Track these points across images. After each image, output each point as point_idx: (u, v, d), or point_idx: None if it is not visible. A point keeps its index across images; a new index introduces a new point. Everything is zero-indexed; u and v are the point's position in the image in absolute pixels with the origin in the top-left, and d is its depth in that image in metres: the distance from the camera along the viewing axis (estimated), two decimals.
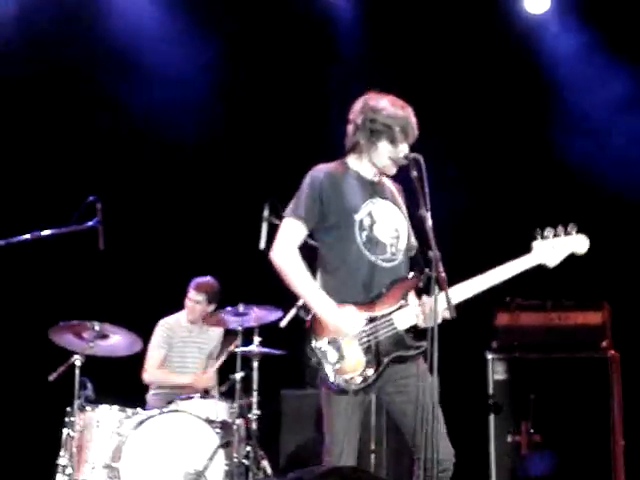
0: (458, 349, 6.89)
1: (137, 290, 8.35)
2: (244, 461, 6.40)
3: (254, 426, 6.54)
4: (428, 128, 4.89)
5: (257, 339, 6.68)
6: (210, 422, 6.30)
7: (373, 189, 4.78)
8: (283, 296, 4.87)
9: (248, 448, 6.45)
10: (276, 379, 7.24)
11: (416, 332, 4.58)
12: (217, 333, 7.56)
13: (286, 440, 7.43)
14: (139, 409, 6.45)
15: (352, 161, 4.82)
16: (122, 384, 7.23)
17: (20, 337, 8.07)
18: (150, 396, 7.34)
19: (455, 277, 4.47)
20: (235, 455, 6.30)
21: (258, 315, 6.63)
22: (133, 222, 8.33)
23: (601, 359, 7.42)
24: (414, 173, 4.47)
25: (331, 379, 4.47)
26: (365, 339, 4.52)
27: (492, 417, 7.46)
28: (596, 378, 7.35)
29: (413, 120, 4.71)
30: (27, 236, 6.29)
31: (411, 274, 4.69)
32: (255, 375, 6.64)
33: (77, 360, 6.34)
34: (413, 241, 4.80)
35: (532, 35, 8.66)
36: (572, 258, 4.71)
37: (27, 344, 7.92)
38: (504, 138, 8.67)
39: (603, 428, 7.28)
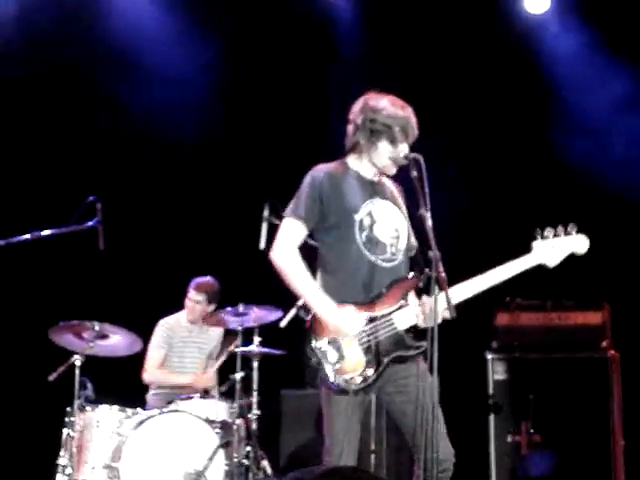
0: (458, 349, 6.89)
1: (137, 290, 8.35)
2: (244, 461, 6.40)
3: (254, 426, 6.54)
4: (428, 128, 4.90)
5: (257, 339, 6.68)
6: (210, 422, 6.30)
7: (373, 189, 4.78)
8: (283, 296, 4.87)
9: (248, 448, 6.45)
10: (276, 379, 7.24)
11: (416, 332, 4.58)
12: (217, 333, 7.56)
13: (286, 440, 7.43)
14: (139, 409, 6.45)
15: (352, 161, 4.82)
16: (122, 384, 7.23)
17: (20, 337, 8.07)
18: (150, 396, 7.34)
19: (455, 277, 4.47)
20: (235, 455, 6.30)
21: (258, 315, 6.63)
22: (133, 222, 8.33)
23: (601, 359, 7.42)
24: (414, 173, 4.47)
25: (331, 379, 4.47)
26: (365, 339, 4.52)
27: (492, 417, 7.46)
28: (596, 378, 7.35)
29: (413, 120, 4.72)
30: (27, 236, 6.29)
31: (411, 274, 4.69)
32: (255, 375, 6.64)
33: (77, 360, 6.34)
34: (413, 241, 4.80)
35: (532, 35, 8.66)
36: (572, 258, 4.71)
37: (27, 344, 7.92)
38: (504, 138, 8.67)
39: (603, 428, 7.28)
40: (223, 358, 7.28)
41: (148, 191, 8.56)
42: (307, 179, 4.72)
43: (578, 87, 8.47)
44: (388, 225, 4.72)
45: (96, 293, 8.20)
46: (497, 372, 7.56)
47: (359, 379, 4.48)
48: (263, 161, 8.61)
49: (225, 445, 6.25)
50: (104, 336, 6.54)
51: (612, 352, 7.45)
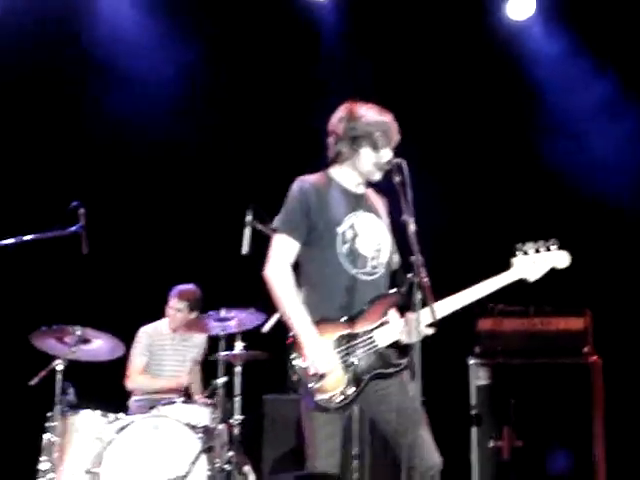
0: (440, 354, 6.90)
1: (120, 295, 8.34)
2: (226, 466, 6.37)
3: (236, 431, 6.52)
4: (410, 133, 4.90)
5: (240, 344, 6.67)
6: (192, 427, 6.28)
7: (357, 202, 4.79)
8: (266, 301, 4.86)
9: (230, 453, 6.43)
10: (259, 384, 7.22)
11: (397, 348, 4.59)
12: (200, 340, 7.53)
13: (269, 445, 7.41)
14: (121, 414, 6.43)
15: (335, 172, 4.82)
16: (104, 389, 7.20)
17: (2, 341, 8.04)
18: (132, 402, 7.31)
19: (438, 286, 4.47)
20: (217, 460, 6.27)
21: (240, 320, 6.62)
22: (116, 227, 8.31)
23: (583, 365, 7.44)
24: (397, 178, 4.48)
25: (311, 397, 4.47)
26: (346, 357, 4.52)
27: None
28: (578, 384, 7.37)
29: (393, 125, 4.74)
30: (10, 241, 6.27)
31: (392, 290, 4.70)
32: (237, 380, 6.63)
33: (59, 365, 6.32)
34: (395, 256, 4.81)
35: (515, 41, 8.69)
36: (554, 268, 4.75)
37: (9, 349, 7.89)
38: (486, 143, 8.69)
39: (585, 433, 7.30)
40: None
41: (131, 196, 8.55)
42: (294, 191, 4.72)
43: (560, 92, 8.50)
44: (370, 238, 4.73)
45: (78, 298, 8.17)
46: (479, 377, 7.56)
47: (339, 397, 4.48)
48: (246, 166, 8.60)
49: (207, 450, 6.23)
50: (86, 341, 6.51)
51: (594, 358, 7.47)
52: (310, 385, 4.46)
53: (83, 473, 6.16)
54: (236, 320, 6.60)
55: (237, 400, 6.58)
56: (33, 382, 6.44)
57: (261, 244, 4.89)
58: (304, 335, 4.50)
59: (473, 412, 7.47)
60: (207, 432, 6.33)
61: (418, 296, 4.30)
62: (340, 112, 4.80)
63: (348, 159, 4.74)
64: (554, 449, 7.30)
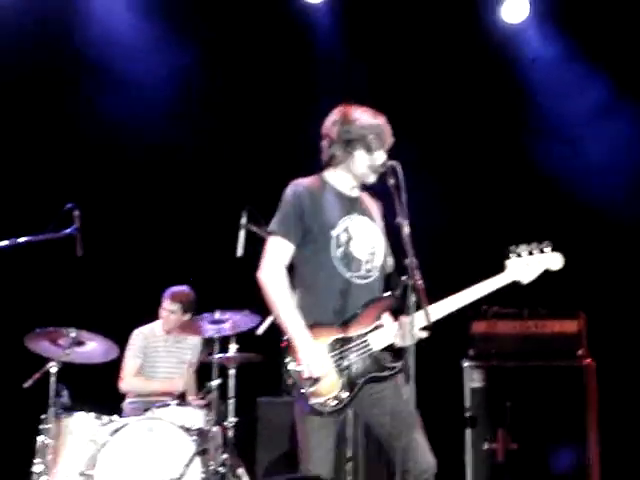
0: (435, 357, 6.90)
1: (114, 297, 8.33)
2: (220, 469, 6.36)
3: (230, 434, 6.52)
4: (405, 135, 4.91)
5: (234, 346, 6.67)
6: (186, 429, 6.28)
7: (351, 205, 4.79)
8: (260, 304, 4.86)
9: (224, 456, 6.42)
10: (253, 386, 7.22)
11: (392, 352, 4.59)
12: (195, 342, 7.52)
13: (263, 448, 7.40)
14: (115, 416, 6.43)
15: (330, 176, 4.83)
16: (98, 391, 7.19)
17: None
18: (126, 405, 7.30)
19: (433, 290, 4.48)
20: (211, 463, 6.27)
21: (235, 322, 6.61)
22: (110, 229, 8.31)
23: (577, 367, 7.45)
24: (391, 181, 4.49)
25: (305, 401, 4.47)
26: (340, 361, 4.53)
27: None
28: (572, 386, 7.38)
29: (387, 127, 4.74)
30: (5, 243, 6.27)
31: (386, 294, 4.70)
32: (232, 382, 6.63)
33: (53, 367, 6.31)
34: (390, 260, 4.81)
35: (510, 45, 8.70)
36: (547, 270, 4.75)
37: (2, 351, 7.87)
38: (480, 146, 8.70)
39: (579, 436, 7.31)
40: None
41: (125, 198, 8.54)
42: (288, 195, 4.72)
43: (555, 95, 8.51)
44: (365, 241, 4.73)
45: (73, 300, 8.16)
46: (474, 380, 7.57)
47: (333, 402, 4.48)
48: (240, 168, 8.60)
49: (201, 453, 6.22)
50: (80, 343, 6.50)
51: (588, 360, 7.47)
52: (304, 389, 4.46)
53: (77, 475, 6.15)
54: (230, 322, 6.59)
55: (231, 402, 6.57)
56: (27, 384, 6.43)
57: (256, 246, 4.89)
58: (298, 339, 4.50)
59: (467, 414, 7.48)
60: (201, 434, 6.33)
61: (412, 299, 4.30)
62: (334, 115, 4.80)
63: (342, 162, 4.75)
64: (557, 448, 7.30)
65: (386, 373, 4.58)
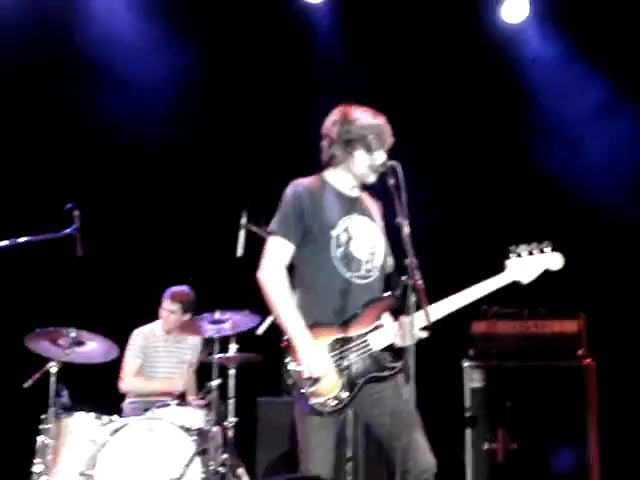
0: (435, 357, 6.90)
1: (114, 297, 8.33)
2: (220, 469, 6.36)
3: (230, 434, 6.52)
4: (405, 135, 4.91)
5: (234, 346, 6.67)
6: (186, 430, 6.27)
7: (351, 205, 4.79)
8: (260, 304, 4.86)
9: (224, 456, 6.42)
10: (253, 386, 7.22)
11: (392, 352, 4.59)
12: (195, 342, 7.52)
13: (263, 448, 7.40)
14: (115, 416, 6.42)
15: (330, 176, 4.83)
16: (98, 391, 7.19)
17: None
18: (126, 405, 7.30)
19: (433, 289, 4.47)
20: (211, 463, 6.27)
21: (235, 322, 6.61)
22: (110, 229, 8.31)
23: (577, 367, 7.45)
24: (391, 181, 4.49)
25: (305, 401, 4.47)
26: (340, 361, 4.52)
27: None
28: (572, 386, 7.38)
29: (387, 127, 4.75)
30: (5, 243, 6.27)
31: (386, 294, 4.70)
32: (232, 382, 6.63)
33: (53, 367, 6.31)
34: (390, 260, 4.81)
35: (510, 45, 8.70)
36: (547, 270, 4.75)
37: (3, 351, 7.87)
38: (480, 146, 8.70)
39: (579, 436, 7.31)
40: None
41: (125, 198, 8.54)
42: (288, 195, 4.72)
43: (555, 95, 8.52)
44: (365, 241, 4.73)
45: (73, 300, 8.16)
46: (474, 380, 7.57)
47: (334, 402, 4.48)
48: (241, 168, 8.60)
49: (201, 453, 6.22)
50: (80, 343, 6.50)
51: (588, 360, 7.48)
52: (304, 389, 4.46)
53: (77, 475, 6.15)
54: (230, 322, 6.59)
55: (231, 403, 6.57)
56: (27, 384, 6.43)
57: (256, 246, 4.89)
58: (298, 338, 4.50)
59: (467, 414, 7.48)
60: (201, 435, 6.33)
61: (412, 299, 4.30)
62: (334, 115, 4.80)
63: (342, 162, 4.75)
64: (557, 448, 7.30)
65: (386, 373, 4.58)
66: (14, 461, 7.07)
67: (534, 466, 7.30)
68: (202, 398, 6.76)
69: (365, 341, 4.57)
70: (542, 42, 8.61)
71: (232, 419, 6.54)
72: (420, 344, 4.32)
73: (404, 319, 4.46)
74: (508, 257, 4.74)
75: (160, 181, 8.61)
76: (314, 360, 4.45)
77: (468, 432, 7.46)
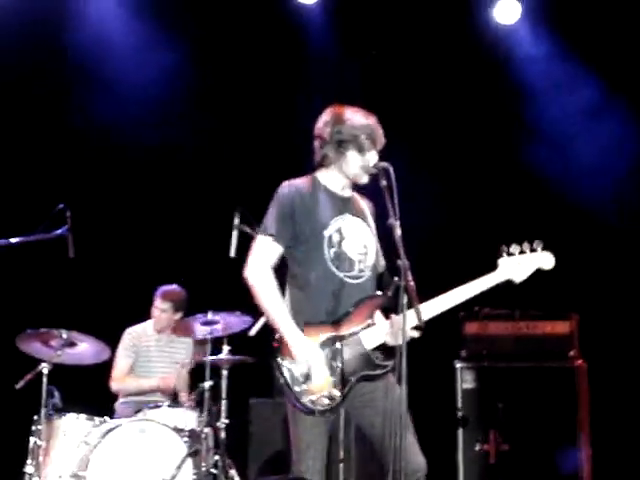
0: (427, 358, 6.91)
1: (105, 298, 8.32)
2: (212, 470, 6.37)
3: (222, 435, 6.51)
4: (396, 137, 4.91)
5: (226, 347, 6.66)
6: (178, 431, 6.27)
7: (343, 205, 4.79)
8: (253, 305, 4.85)
9: (216, 457, 6.41)
10: (245, 388, 7.22)
11: (383, 350, 4.59)
12: (187, 342, 7.51)
13: (254, 449, 7.40)
14: (107, 418, 6.41)
15: (321, 176, 4.82)
16: (90, 392, 7.19)
17: None
18: (118, 405, 7.30)
19: (425, 289, 4.48)
20: (203, 464, 6.26)
21: (227, 323, 6.61)
22: (102, 230, 8.29)
23: (569, 368, 7.47)
24: (383, 182, 4.49)
25: (298, 399, 4.46)
26: (332, 359, 4.52)
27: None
28: (564, 387, 7.40)
29: (378, 127, 4.75)
30: None
31: (378, 292, 4.70)
32: (224, 384, 6.62)
33: (44, 368, 6.30)
34: (381, 260, 4.81)
35: (502, 45, 8.71)
36: (539, 269, 4.75)
37: None
38: (472, 148, 8.71)
39: (570, 437, 7.32)
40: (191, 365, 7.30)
41: (117, 198, 8.53)
42: (278, 195, 4.72)
43: (546, 96, 8.53)
44: (357, 242, 4.73)
45: (64, 301, 8.14)
46: (466, 381, 7.58)
47: (326, 400, 4.47)
48: (233, 168, 8.59)
49: (193, 454, 6.21)
50: (72, 344, 6.49)
51: (580, 362, 7.49)
52: (296, 388, 4.45)
53: (69, 477, 6.14)
54: (223, 323, 6.59)
55: (223, 404, 6.57)
56: (19, 385, 6.41)
57: (249, 247, 4.89)
58: (289, 334, 4.50)
59: (459, 415, 7.48)
60: (193, 436, 6.32)
61: (404, 299, 4.30)
62: (326, 116, 4.80)
63: (334, 162, 4.75)
64: (564, 448, 7.31)
65: (378, 371, 4.57)
66: (6, 462, 7.06)
67: (526, 467, 7.31)
68: (194, 399, 6.75)
69: (357, 339, 4.57)
70: (534, 42, 8.62)
71: (224, 420, 6.53)
72: (412, 345, 4.31)
73: (396, 318, 4.46)
74: (500, 256, 4.74)
75: (152, 181, 8.59)
76: (306, 355, 4.45)
77: (460, 433, 7.48)
